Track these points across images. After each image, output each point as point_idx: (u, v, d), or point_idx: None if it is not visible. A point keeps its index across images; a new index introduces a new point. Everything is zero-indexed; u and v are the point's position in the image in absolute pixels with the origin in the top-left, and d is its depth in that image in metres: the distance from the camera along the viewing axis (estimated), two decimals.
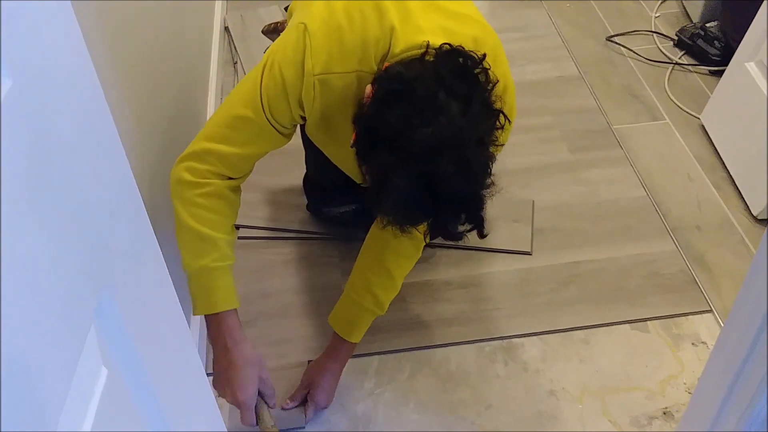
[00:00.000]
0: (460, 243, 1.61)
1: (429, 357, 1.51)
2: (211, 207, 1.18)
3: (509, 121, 1.09)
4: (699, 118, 2.02)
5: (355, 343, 1.40)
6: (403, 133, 0.97)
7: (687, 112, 2.06)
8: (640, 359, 1.49)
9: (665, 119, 2.05)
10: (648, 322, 1.56)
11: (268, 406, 1.25)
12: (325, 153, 1.37)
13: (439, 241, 1.66)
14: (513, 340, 1.54)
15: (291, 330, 1.57)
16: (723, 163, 1.91)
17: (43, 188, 0.45)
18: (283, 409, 1.40)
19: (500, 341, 1.54)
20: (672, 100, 2.11)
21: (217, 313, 1.19)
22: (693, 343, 1.52)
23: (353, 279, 1.39)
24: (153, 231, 0.65)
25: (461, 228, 1.06)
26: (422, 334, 1.55)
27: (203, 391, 0.78)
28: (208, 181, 1.17)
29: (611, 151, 1.97)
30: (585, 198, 1.84)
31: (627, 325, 1.56)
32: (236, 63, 2.24)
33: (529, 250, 1.70)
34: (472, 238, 1.57)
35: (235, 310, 1.21)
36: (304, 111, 1.16)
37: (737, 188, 1.84)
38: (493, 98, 1.04)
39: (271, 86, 1.13)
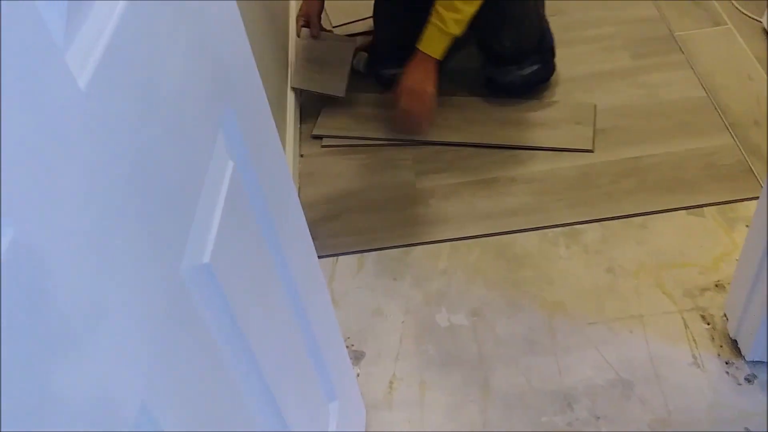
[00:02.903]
0: (526, 143, 1.79)
1: (496, 242, 1.66)
2: None
3: None
4: (761, 22, 2.06)
5: (429, 55, 1.74)
6: None
7: (749, 17, 2.10)
8: (695, 240, 1.60)
9: (727, 24, 2.10)
10: (704, 208, 1.66)
11: None
12: None
13: (503, 141, 1.83)
14: (575, 226, 1.67)
15: (371, 222, 1.75)
16: None
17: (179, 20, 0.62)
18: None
19: (562, 228, 1.67)
20: (734, 5, 2.14)
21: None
22: (747, 225, 1.61)
23: None
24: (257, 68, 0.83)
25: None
26: (489, 224, 1.70)
27: (294, 199, 0.97)
28: None
29: (672, 56, 2.03)
30: (645, 99, 1.93)
31: (684, 211, 1.66)
32: None
33: (590, 148, 1.81)
34: (537, 139, 1.78)
35: None
36: None
37: None
38: None
39: None
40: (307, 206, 1.80)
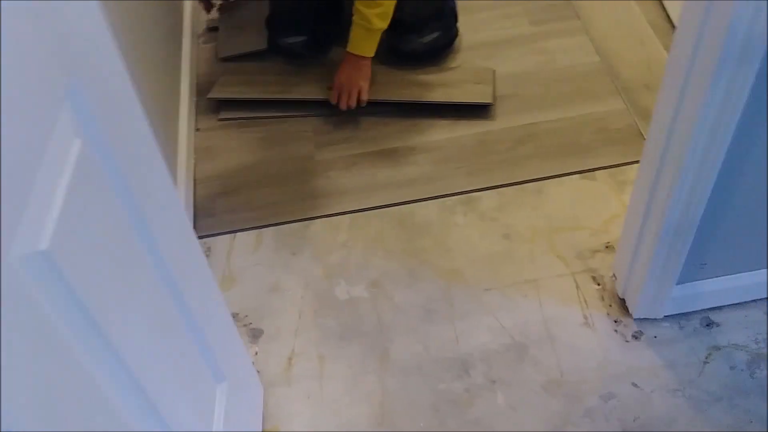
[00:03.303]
0: (424, 99, 1.82)
1: (395, 213, 1.66)
2: None
3: None
4: None
5: (361, 55, 1.76)
6: None
7: None
8: (587, 204, 1.63)
9: None
10: (596, 172, 1.69)
11: None
12: None
13: (403, 98, 1.83)
14: (472, 194, 1.68)
15: (270, 196, 1.71)
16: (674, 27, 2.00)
17: None
18: None
19: (460, 196, 1.68)
20: None
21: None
22: None
23: None
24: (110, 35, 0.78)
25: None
26: (389, 194, 1.69)
27: (163, 176, 0.93)
28: None
29: (570, 22, 2.06)
30: (543, 66, 1.95)
31: (577, 176, 1.69)
32: None
33: (490, 101, 1.82)
34: (438, 97, 1.80)
35: None
36: None
37: None
38: None
39: None
40: (203, 181, 1.77)
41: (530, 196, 1.66)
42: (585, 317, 1.44)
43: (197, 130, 1.89)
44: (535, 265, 1.54)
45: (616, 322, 1.43)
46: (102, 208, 0.74)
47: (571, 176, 1.69)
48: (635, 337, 1.40)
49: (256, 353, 1.45)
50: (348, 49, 1.76)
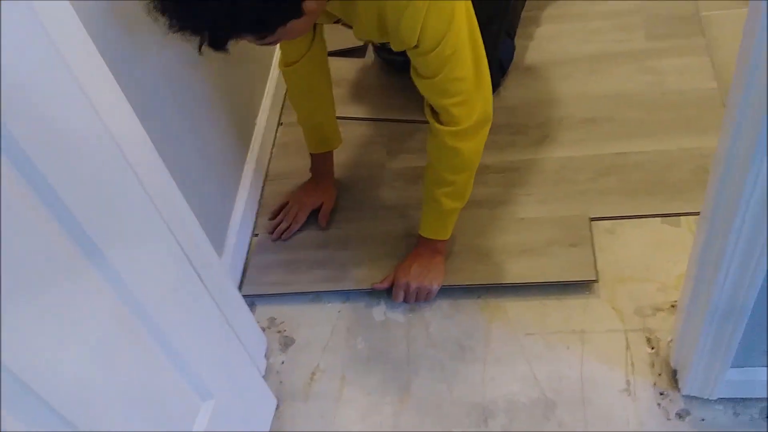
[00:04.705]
0: (506, 281, 1.48)
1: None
2: None
3: None
4: None
5: (434, 239, 1.46)
6: None
7: None
8: (663, 253, 1.47)
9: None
10: (682, 218, 1.51)
11: None
12: None
13: (483, 281, 1.49)
14: None
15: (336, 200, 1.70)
16: None
17: None
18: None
19: None
20: None
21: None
22: None
23: None
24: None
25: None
26: None
27: (140, 205, 0.93)
28: None
29: (692, 39, 1.84)
30: (649, 87, 1.76)
31: (659, 219, 1.52)
32: None
33: (593, 278, 1.43)
34: (521, 270, 1.49)
35: None
36: None
37: None
38: None
39: None
40: (274, 179, 1.78)
41: (601, 235, 1.52)
42: (627, 383, 1.30)
43: (281, 124, 1.90)
44: (587, 314, 1.41)
45: (661, 394, 1.28)
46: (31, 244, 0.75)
47: (652, 219, 1.52)
48: (679, 415, 1.25)
49: (283, 362, 1.45)
50: (420, 231, 1.47)
